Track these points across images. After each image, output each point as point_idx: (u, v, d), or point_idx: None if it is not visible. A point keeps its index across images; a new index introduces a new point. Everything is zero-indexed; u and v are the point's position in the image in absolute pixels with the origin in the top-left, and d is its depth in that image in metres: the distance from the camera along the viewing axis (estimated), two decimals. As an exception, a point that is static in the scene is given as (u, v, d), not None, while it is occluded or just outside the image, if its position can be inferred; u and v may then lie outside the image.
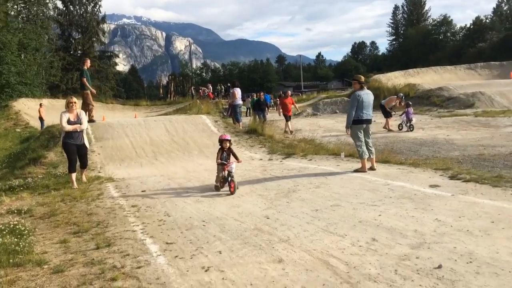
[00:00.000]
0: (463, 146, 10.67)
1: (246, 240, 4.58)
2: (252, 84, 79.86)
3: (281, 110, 17.24)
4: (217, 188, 7.10)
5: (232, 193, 6.75)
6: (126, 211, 6.19)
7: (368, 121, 8.02)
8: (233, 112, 15.92)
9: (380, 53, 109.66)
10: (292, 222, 5.12)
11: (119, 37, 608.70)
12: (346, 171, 8.08)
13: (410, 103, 16.08)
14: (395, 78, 31.49)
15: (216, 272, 3.79)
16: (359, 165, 8.06)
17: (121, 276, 3.79)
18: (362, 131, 7.98)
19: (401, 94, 17.27)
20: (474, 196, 5.68)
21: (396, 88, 25.56)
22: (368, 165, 7.99)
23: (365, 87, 8.15)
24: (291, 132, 16.05)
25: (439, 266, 3.59)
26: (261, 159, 10.30)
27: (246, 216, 5.54)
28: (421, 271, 3.54)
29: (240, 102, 15.91)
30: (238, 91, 15.72)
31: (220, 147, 7.28)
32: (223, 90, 39.66)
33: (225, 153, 7.18)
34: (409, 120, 15.03)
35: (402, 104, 16.11)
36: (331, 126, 18.18)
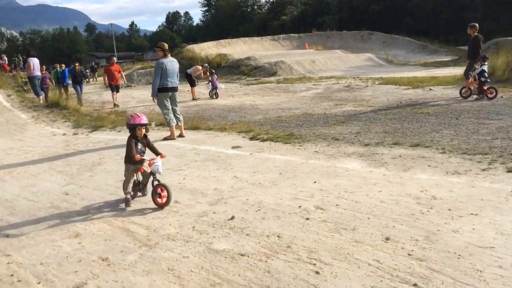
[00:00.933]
0: (265, 110, 11.63)
1: (40, 220, 4.21)
2: (58, 55, 72.62)
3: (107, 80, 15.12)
4: (127, 202, 4.48)
5: (162, 205, 4.35)
6: None
7: (174, 89, 8.03)
8: (31, 85, 14.20)
9: (194, 24, 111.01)
10: (94, 196, 4.91)
11: None
12: (156, 140, 8.04)
13: (214, 71, 16.70)
14: (208, 48, 32.44)
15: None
16: (168, 133, 8.13)
17: None
18: (168, 99, 7.98)
19: (206, 64, 17.82)
20: (268, 153, 6.31)
21: (209, 58, 26.41)
22: (177, 132, 8.10)
23: (169, 55, 8.06)
24: (116, 105, 14.54)
25: (232, 218, 3.90)
26: (64, 134, 9.50)
27: (42, 194, 5.09)
28: (216, 224, 3.80)
29: (38, 73, 14.17)
30: (34, 61, 14.00)
31: (130, 134, 4.63)
32: (21, 62, 34.95)
33: (140, 144, 4.61)
34: (214, 87, 15.65)
35: (208, 73, 16.65)
36: (144, 97, 17.72)
